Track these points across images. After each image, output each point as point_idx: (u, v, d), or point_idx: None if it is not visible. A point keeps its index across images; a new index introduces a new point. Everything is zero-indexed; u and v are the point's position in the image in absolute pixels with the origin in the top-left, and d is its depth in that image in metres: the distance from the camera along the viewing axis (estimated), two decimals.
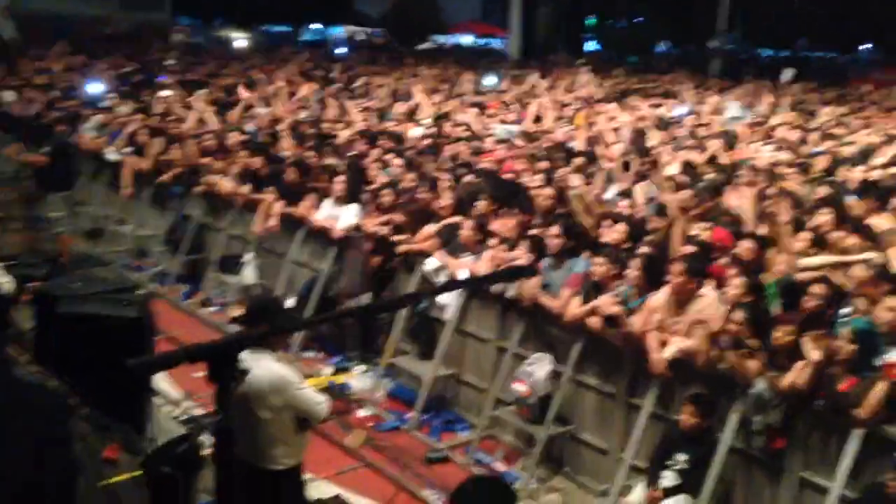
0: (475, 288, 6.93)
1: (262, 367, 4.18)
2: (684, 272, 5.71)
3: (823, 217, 6.75)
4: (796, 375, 5.04)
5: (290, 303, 7.84)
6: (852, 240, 6.29)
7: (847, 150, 10.46)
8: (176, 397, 6.83)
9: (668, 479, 5.36)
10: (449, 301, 7.21)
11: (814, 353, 5.02)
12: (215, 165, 9.81)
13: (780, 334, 5.23)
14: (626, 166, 8.96)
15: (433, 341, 7.27)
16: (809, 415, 5.08)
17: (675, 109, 13.53)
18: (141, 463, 4.54)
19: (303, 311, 7.83)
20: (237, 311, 7.31)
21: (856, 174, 8.98)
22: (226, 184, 9.48)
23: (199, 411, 6.55)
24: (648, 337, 5.75)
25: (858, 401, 4.83)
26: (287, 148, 10.19)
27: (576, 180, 8.32)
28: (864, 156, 10.07)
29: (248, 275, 8.79)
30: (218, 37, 32.95)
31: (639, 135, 10.99)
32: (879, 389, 4.78)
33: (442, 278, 7.25)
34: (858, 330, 5.15)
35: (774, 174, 8.65)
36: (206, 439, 4.48)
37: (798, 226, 6.57)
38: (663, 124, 12.16)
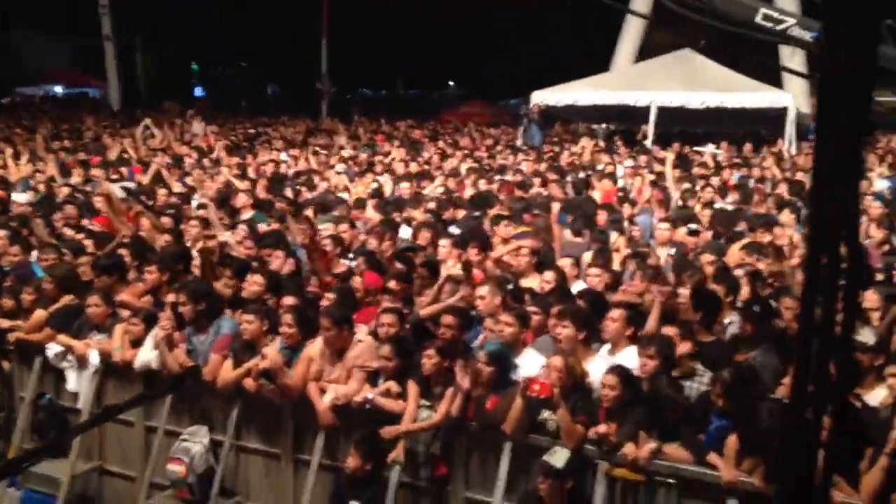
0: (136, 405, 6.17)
1: None
2: (333, 324, 5.71)
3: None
4: (448, 403, 5.32)
5: None
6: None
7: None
8: None
9: None
10: (79, 387, 6.43)
11: (461, 380, 5.34)
12: None
13: (425, 362, 5.46)
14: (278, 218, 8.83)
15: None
16: (465, 438, 5.38)
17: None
18: None
19: None
20: None
21: None
22: None
23: None
24: (309, 388, 5.67)
25: (504, 417, 5.24)
26: None
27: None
28: None
29: None
30: None
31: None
32: (518, 404, 5.21)
33: (67, 363, 6.46)
34: (492, 351, 5.57)
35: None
36: None
37: None
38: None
